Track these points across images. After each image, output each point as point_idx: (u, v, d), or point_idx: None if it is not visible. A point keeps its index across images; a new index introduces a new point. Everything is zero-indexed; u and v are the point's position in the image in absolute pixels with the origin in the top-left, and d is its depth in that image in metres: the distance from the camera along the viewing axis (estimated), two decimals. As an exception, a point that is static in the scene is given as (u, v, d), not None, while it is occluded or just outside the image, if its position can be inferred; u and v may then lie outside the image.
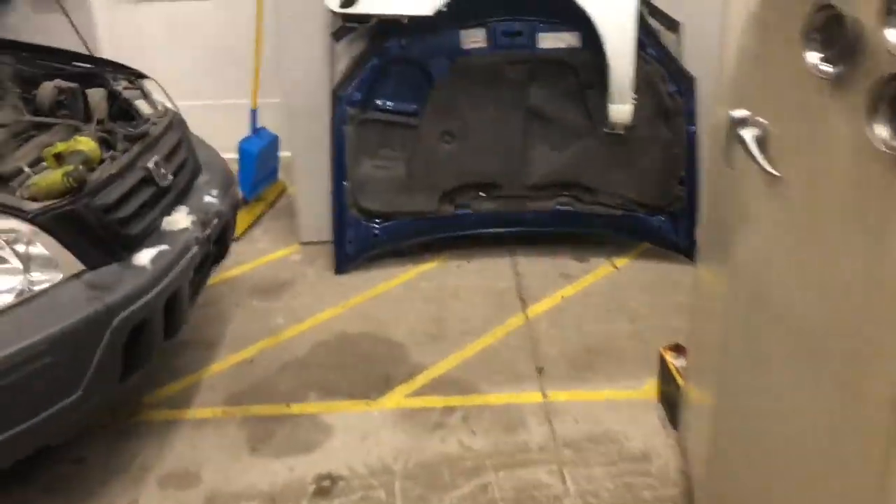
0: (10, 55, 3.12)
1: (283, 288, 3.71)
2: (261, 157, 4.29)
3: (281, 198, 4.68)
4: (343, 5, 3.41)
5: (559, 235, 3.91)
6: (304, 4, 3.62)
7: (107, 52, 4.99)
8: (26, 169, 2.29)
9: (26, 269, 2.02)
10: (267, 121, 4.37)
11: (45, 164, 2.35)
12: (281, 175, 4.67)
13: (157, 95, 3.09)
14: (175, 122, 2.86)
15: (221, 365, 3.11)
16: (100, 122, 2.81)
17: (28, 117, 2.84)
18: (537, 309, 3.44)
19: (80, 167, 2.19)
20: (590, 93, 3.60)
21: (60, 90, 2.94)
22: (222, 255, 3.01)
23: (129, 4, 5.03)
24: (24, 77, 3.11)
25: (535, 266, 3.80)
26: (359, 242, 3.78)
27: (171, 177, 2.60)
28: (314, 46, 3.73)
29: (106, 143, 2.59)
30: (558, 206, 3.83)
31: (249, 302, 3.59)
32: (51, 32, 4.40)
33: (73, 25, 4.35)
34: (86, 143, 2.33)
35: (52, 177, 2.17)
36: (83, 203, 2.16)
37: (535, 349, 3.14)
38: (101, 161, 2.39)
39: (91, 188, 2.21)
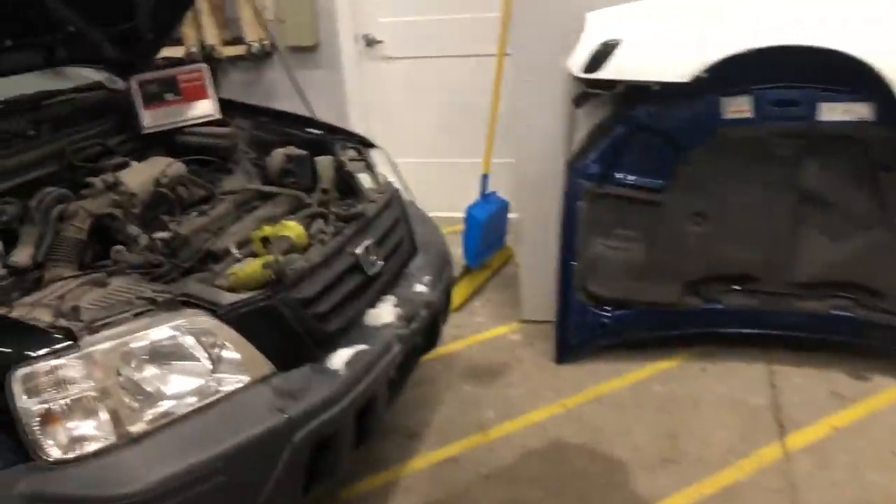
0: (248, 120, 3.14)
1: (498, 373, 3.39)
2: (488, 225, 4.05)
3: (507, 265, 4.41)
4: (587, 70, 3.05)
5: (830, 344, 3.21)
6: (545, 67, 3.32)
7: (354, 108, 5.08)
8: (234, 251, 2.18)
9: (214, 369, 1.87)
10: (499, 181, 4.12)
11: (252, 246, 2.23)
12: (509, 239, 4.39)
13: (383, 168, 2.94)
14: (394, 200, 2.67)
15: (423, 461, 2.83)
16: (325, 191, 2.70)
17: (255, 185, 2.80)
18: (799, 439, 2.79)
19: (281, 259, 2.03)
20: (885, 176, 2.91)
21: (289, 158, 2.89)
22: (430, 347, 2.75)
23: (376, 62, 5.07)
24: (259, 142, 3.11)
25: (797, 379, 3.14)
26: (584, 331, 3.36)
27: (380, 263, 2.38)
28: (552, 112, 3.41)
29: (321, 217, 2.45)
30: (833, 311, 3.14)
31: (461, 386, 3.31)
32: (308, 89, 4.50)
33: (296, 87, 4.42)
34: (293, 229, 2.18)
35: (253, 266, 2.02)
36: (280, 297, 1.98)
37: (795, 498, 2.52)
38: (309, 246, 2.23)
39: (292, 279, 2.03)
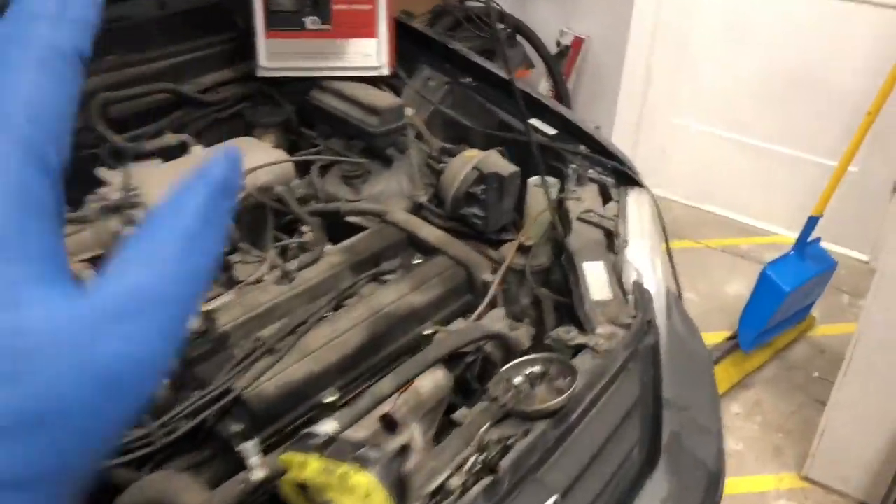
0: (435, 81, 1.85)
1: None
2: (793, 297, 2.50)
3: (801, 338, 2.86)
4: None
5: None
6: None
7: (637, 31, 3.55)
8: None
9: None
10: (832, 224, 2.54)
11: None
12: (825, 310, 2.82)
13: (641, 239, 1.54)
14: (639, 359, 1.28)
15: None
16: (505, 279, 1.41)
17: (403, 219, 1.57)
18: None
19: None
20: None
21: (482, 176, 1.62)
22: None
23: None
24: (447, 124, 1.84)
25: None
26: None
27: None
28: None
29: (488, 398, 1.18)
30: None
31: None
32: None
33: None
34: (364, 491, 0.91)
35: None
36: None
37: None
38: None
39: None
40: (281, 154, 1.51)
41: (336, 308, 1.35)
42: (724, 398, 2.59)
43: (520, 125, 1.73)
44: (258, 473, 0.96)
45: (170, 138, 1.45)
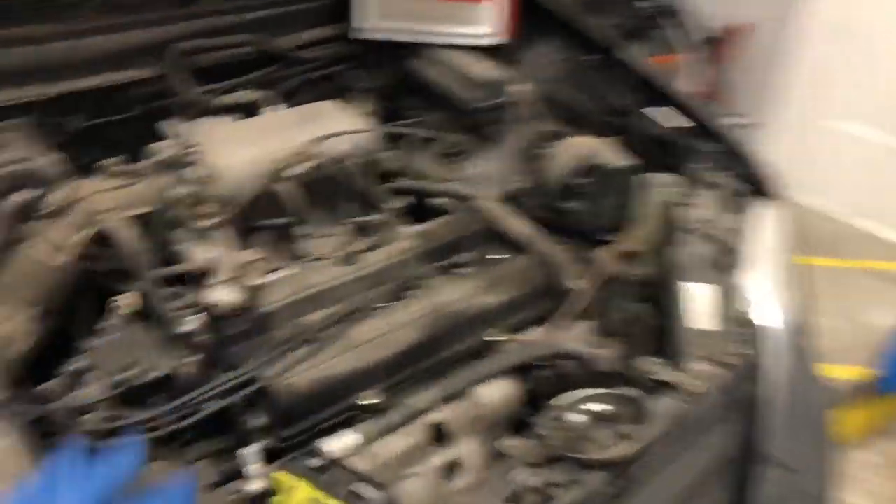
0: (547, 59, 1.66)
1: None
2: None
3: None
4: None
5: None
6: None
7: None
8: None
9: None
10: None
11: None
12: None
13: (767, 267, 1.30)
14: (745, 401, 1.05)
15: None
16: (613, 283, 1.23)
17: (487, 207, 1.42)
18: None
19: None
20: None
21: (586, 168, 1.45)
22: None
23: None
24: (558, 105, 1.66)
25: None
26: None
27: None
28: None
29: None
30: None
31: None
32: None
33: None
34: None
35: None
36: None
37: None
38: None
39: None
40: (367, 123, 1.37)
41: (396, 299, 1.21)
42: (859, 448, 2.27)
43: (644, 114, 1.53)
44: (253, 485, 0.84)
45: (244, 94, 1.35)
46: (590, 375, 1.12)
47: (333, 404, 1.05)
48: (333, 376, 1.06)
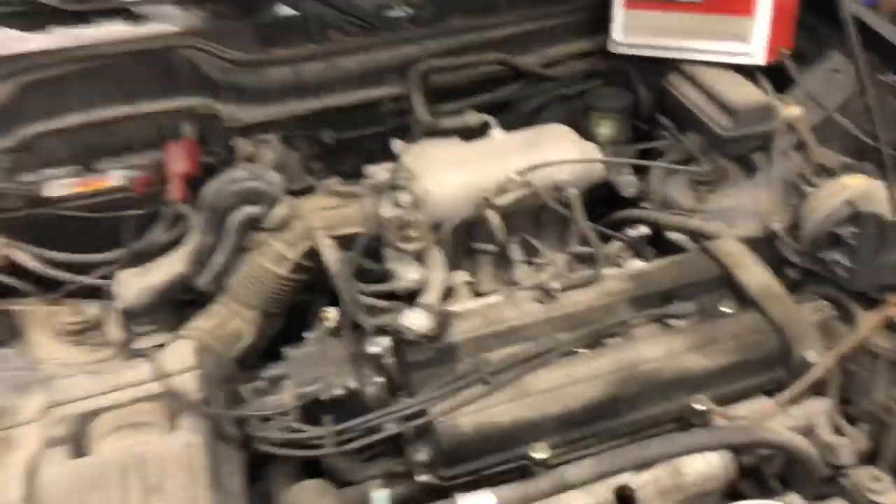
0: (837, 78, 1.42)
1: None
2: None
3: None
4: None
5: None
6: None
7: None
8: None
9: None
10: None
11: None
12: None
13: None
14: None
15: None
16: None
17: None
18: None
19: None
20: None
21: (848, 217, 1.22)
22: None
23: None
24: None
25: None
26: None
27: None
28: None
29: None
30: None
31: None
32: None
33: None
34: None
35: None
36: None
37: None
38: None
39: None
40: (591, 151, 1.29)
41: (592, 346, 1.12)
42: None
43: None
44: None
45: (470, 118, 1.34)
46: (798, 475, 0.93)
47: (498, 452, 1.01)
48: (500, 423, 1.01)
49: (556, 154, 1.26)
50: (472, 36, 1.45)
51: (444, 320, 1.12)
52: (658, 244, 1.39)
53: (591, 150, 1.29)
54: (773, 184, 1.35)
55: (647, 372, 1.06)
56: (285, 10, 1.46)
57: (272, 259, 1.20)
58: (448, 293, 1.24)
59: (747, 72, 1.40)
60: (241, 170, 1.18)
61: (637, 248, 1.35)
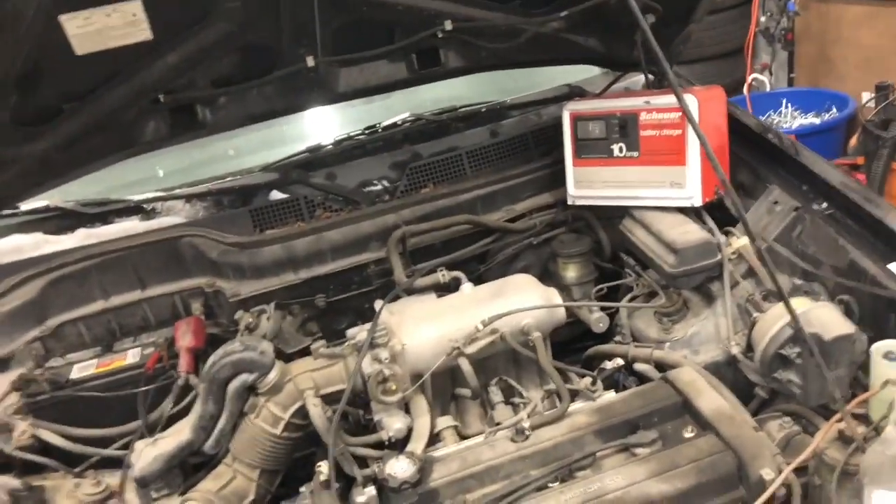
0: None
1: None
2: None
3: None
4: None
5: None
6: None
7: None
8: None
9: None
10: None
11: None
12: None
13: None
14: None
15: None
16: None
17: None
18: None
19: None
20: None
21: None
22: None
23: None
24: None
25: None
26: None
27: None
28: None
29: None
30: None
31: None
32: None
33: None
34: None
35: None
36: None
37: None
38: None
39: None
40: (552, 297, 1.42)
41: (563, 479, 1.20)
42: None
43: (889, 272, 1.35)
44: None
45: (440, 276, 1.49)
46: None
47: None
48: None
49: (521, 302, 1.39)
50: (444, 201, 1.63)
51: (426, 466, 1.22)
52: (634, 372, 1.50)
53: (552, 296, 1.43)
54: (729, 310, 1.47)
55: (611, 501, 1.14)
56: (276, 195, 1.67)
57: (268, 420, 1.33)
58: (435, 437, 1.35)
59: (693, 210, 1.55)
60: (236, 343, 1.33)
61: (612, 380, 1.46)
